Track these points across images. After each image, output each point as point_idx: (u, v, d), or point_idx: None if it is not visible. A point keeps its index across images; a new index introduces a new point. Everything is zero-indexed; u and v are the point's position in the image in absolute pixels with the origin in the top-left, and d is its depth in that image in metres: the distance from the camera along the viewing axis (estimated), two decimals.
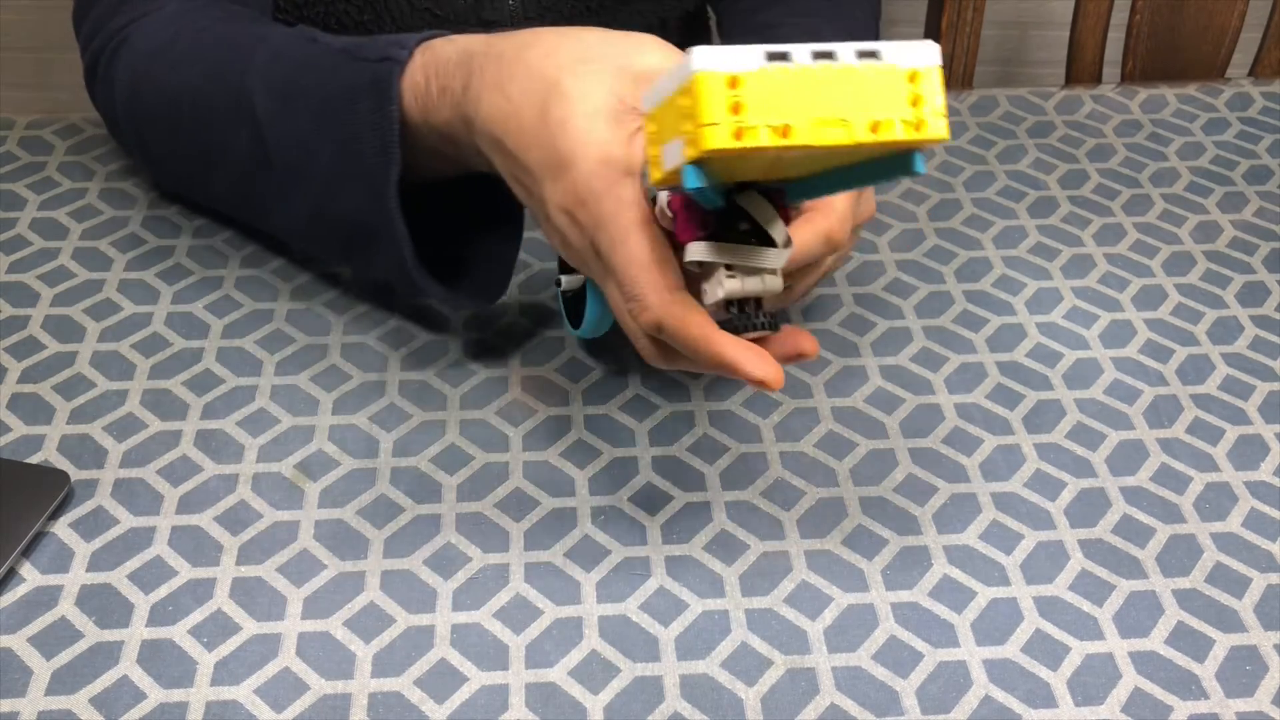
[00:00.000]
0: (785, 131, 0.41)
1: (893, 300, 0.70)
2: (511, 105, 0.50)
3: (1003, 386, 0.65)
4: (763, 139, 0.40)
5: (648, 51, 0.49)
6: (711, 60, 0.40)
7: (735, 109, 0.40)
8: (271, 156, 0.61)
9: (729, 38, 0.81)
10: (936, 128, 0.42)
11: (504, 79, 0.50)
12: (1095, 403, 0.64)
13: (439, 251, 0.63)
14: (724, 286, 0.47)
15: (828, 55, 0.41)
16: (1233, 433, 0.63)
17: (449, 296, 0.61)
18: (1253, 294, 0.72)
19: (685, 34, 0.98)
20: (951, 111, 0.86)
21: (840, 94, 0.42)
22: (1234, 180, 0.81)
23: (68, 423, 0.61)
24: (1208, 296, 0.71)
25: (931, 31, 1.01)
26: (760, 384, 0.45)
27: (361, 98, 0.56)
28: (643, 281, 0.46)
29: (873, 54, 0.42)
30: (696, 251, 0.47)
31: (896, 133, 0.42)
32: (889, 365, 0.66)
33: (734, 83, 0.40)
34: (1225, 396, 0.65)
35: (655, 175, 0.44)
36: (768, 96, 0.41)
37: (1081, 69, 1.05)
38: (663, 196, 0.50)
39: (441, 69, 0.54)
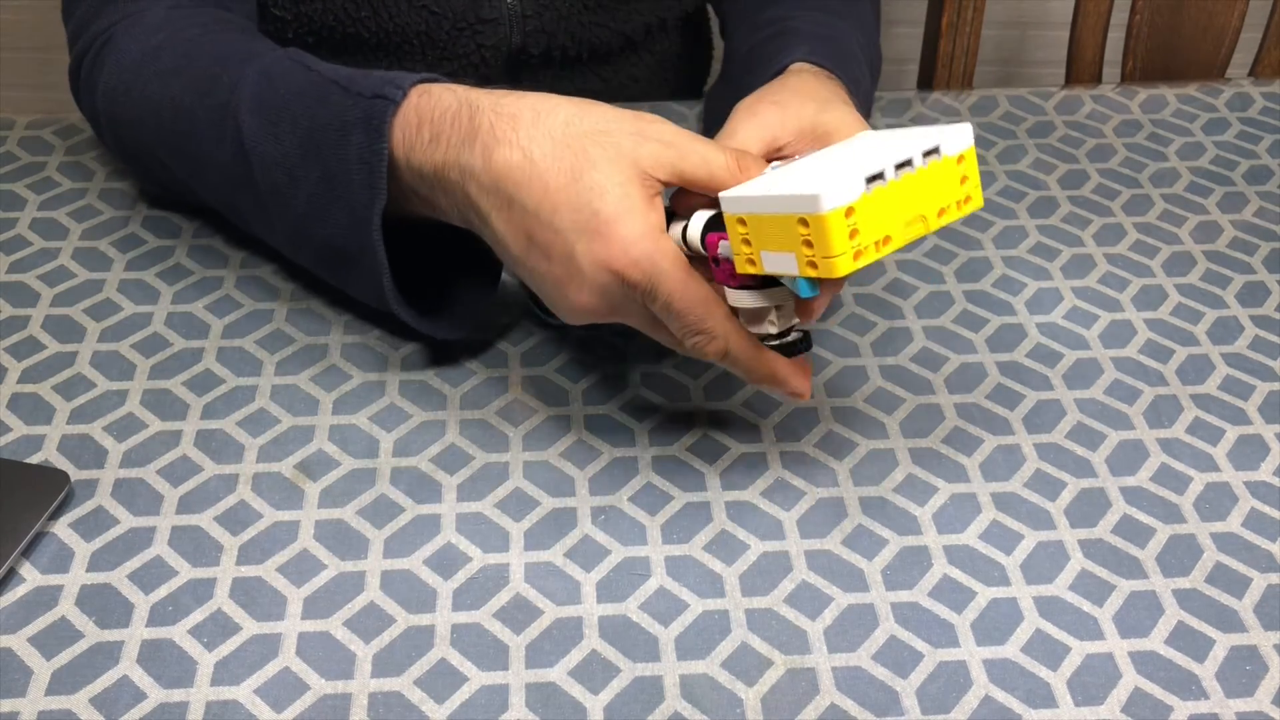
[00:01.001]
0: (886, 241, 0.47)
1: (893, 300, 0.70)
2: (534, 167, 0.52)
3: (1003, 386, 0.65)
4: (873, 255, 0.47)
5: (661, 126, 0.53)
6: (835, 197, 0.45)
7: (852, 235, 0.46)
8: (255, 176, 0.61)
9: (733, 37, 0.80)
10: (978, 199, 0.50)
11: (523, 139, 0.53)
12: (1095, 403, 0.64)
13: (415, 280, 0.64)
14: (775, 325, 0.54)
15: (906, 164, 0.48)
16: (1233, 433, 0.63)
17: (422, 323, 0.62)
18: (1253, 294, 0.72)
19: (685, 34, 0.98)
20: (951, 111, 0.86)
21: (917, 196, 0.48)
22: (1234, 180, 0.81)
23: (68, 423, 0.61)
24: (1208, 296, 0.71)
25: (931, 31, 1.01)
26: (795, 395, 0.56)
27: (353, 131, 0.57)
28: (710, 317, 0.52)
29: (934, 150, 0.48)
30: (746, 300, 0.53)
31: (954, 213, 0.49)
32: (889, 365, 0.66)
33: (849, 213, 0.46)
34: (1225, 396, 0.65)
35: (747, 269, 0.50)
36: (872, 217, 0.47)
37: (1081, 69, 1.05)
38: (694, 233, 0.54)
39: (438, 115, 0.55)
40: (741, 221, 0.50)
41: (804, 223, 0.46)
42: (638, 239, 0.51)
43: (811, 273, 0.47)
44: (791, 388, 0.55)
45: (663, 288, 0.51)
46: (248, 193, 0.63)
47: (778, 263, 0.49)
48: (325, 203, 0.59)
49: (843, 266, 0.46)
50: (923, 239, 0.74)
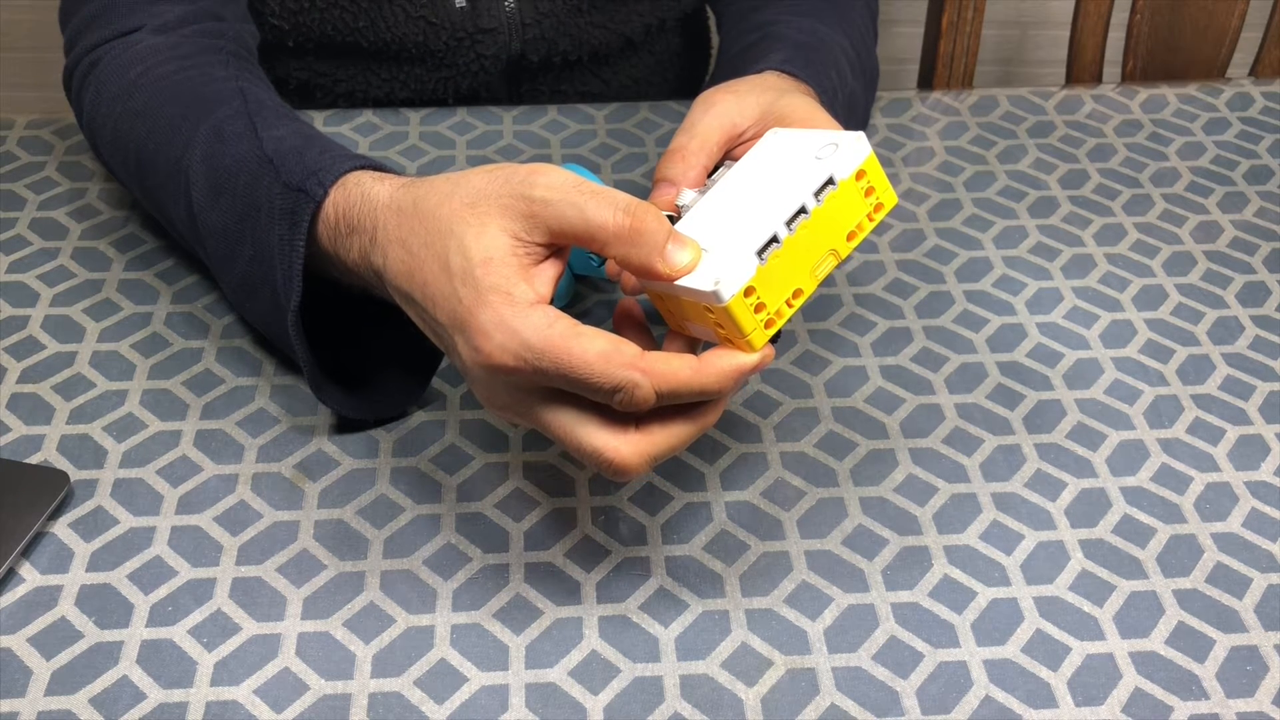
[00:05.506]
0: (797, 294, 0.47)
1: (893, 300, 0.70)
2: (415, 260, 0.50)
3: (1003, 386, 0.65)
4: (787, 313, 0.47)
5: (537, 181, 0.48)
6: (731, 285, 0.45)
7: (758, 309, 0.46)
8: (202, 237, 0.62)
9: (724, 39, 0.80)
10: (890, 199, 0.48)
11: (405, 233, 0.50)
12: (1095, 403, 0.64)
13: (354, 348, 0.62)
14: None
15: (801, 212, 0.47)
16: (1233, 433, 0.63)
17: (350, 404, 0.60)
18: (1253, 294, 0.72)
19: (684, 34, 0.98)
20: (951, 111, 0.86)
21: (819, 236, 0.47)
22: (1234, 180, 0.81)
23: (67, 423, 0.61)
24: (1208, 296, 0.71)
25: (931, 31, 1.01)
26: (764, 361, 0.48)
27: (276, 222, 0.56)
28: (616, 370, 0.46)
29: (829, 182, 0.47)
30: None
31: (866, 228, 0.48)
32: (889, 365, 0.66)
33: (750, 292, 0.46)
34: (1225, 396, 0.65)
35: (681, 330, 0.50)
36: (775, 282, 0.46)
37: (1081, 69, 1.05)
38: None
39: (348, 210, 0.54)
40: (660, 298, 0.50)
41: (710, 310, 0.46)
42: (498, 325, 0.46)
43: (731, 348, 0.47)
44: (751, 366, 0.48)
45: (545, 361, 0.46)
46: (201, 248, 0.63)
47: (701, 332, 0.49)
48: (257, 281, 0.59)
49: (758, 341, 0.47)
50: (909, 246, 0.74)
